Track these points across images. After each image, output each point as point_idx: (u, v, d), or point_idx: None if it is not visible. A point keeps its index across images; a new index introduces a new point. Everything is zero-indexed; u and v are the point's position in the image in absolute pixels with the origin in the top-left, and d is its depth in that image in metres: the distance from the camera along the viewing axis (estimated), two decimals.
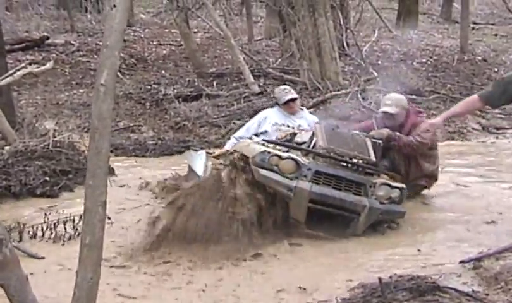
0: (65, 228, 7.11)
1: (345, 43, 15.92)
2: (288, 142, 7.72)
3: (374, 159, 7.21)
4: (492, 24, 23.30)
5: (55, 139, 9.75)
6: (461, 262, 6.09)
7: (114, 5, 3.58)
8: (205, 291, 5.79)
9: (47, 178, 8.73)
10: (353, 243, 6.93)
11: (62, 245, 6.90)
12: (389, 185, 7.15)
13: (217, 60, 17.61)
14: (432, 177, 8.05)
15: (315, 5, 12.38)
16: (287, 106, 8.53)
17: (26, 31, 20.48)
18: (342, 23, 16.10)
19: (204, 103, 13.81)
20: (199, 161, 8.02)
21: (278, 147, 7.26)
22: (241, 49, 15.85)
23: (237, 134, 8.80)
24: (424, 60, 17.07)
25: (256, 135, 8.25)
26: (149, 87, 15.21)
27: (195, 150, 8.88)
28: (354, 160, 7.18)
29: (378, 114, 8.26)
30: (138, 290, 5.83)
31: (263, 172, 6.89)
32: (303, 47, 12.94)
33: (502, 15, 24.04)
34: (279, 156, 6.98)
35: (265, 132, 8.40)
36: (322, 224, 7.02)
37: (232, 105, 13.45)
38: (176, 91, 14.69)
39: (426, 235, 7.17)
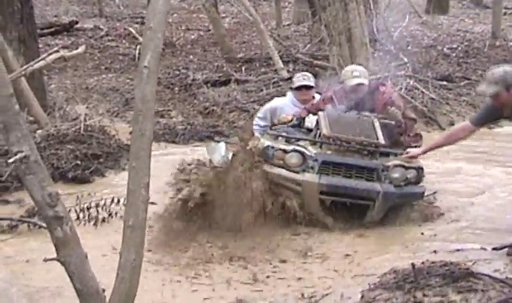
0: (97, 211, 7.21)
1: (375, 29, 15.81)
2: (297, 126, 7.57)
3: (383, 141, 7.00)
4: None
5: (86, 123, 9.82)
6: (493, 249, 6.09)
7: None
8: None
9: (78, 162, 8.82)
10: (381, 229, 6.95)
11: (95, 227, 7.01)
12: (404, 166, 6.94)
13: (245, 46, 17.59)
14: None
15: None
16: (299, 92, 8.10)
17: (55, 16, 20.64)
18: (372, 8, 16.01)
19: (233, 88, 13.80)
20: (217, 153, 7.77)
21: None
22: (269, 34, 15.82)
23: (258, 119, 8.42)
24: (455, 46, 16.93)
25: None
26: (178, 72, 15.25)
27: (217, 141, 8.62)
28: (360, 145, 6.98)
29: (339, 88, 7.68)
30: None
31: (268, 168, 6.80)
32: (333, 32, 12.81)
33: None
34: (284, 150, 6.86)
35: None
36: (340, 212, 6.97)
37: (261, 90, 13.43)
38: (204, 76, 14.72)
39: (452, 221, 7.15)
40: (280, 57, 14.59)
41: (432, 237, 6.73)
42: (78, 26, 19.53)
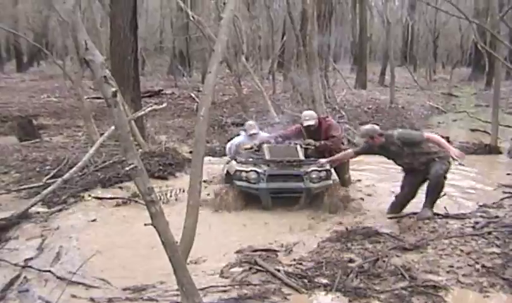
0: (171, 195, 7.15)
1: (327, 96, 15.83)
2: (257, 151, 7.25)
3: (302, 157, 6.82)
4: (407, 88, 23.17)
5: (165, 146, 9.82)
6: (389, 218, 6.15)
7: (209, 71, 3.65)
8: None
9: (161, 168, 8.71)
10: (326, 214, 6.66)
11: (164, 203, 6.84)
12: (317, 170, 6.70)
13: (255, 104, 17.57)
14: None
15: (311, 75, 12.28)
16: (251, 136, 7.69)
17: (151, 86, 20.69)
18: (326, 84, 16.06)
19: None
20: (225, 169, 7.47)
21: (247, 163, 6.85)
22: (269, 98, 15.78)
23: (228, 149, 8.05)
24: (370, 106, 16.94)
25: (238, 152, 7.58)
26: (216, 118, 15.24)
27: (228, 162, 7.83)
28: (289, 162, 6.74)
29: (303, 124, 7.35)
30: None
31: (238, 183, 6.66)
32: (304, 97, 12.88)
33: (412, 83, 23.87)
34: (246, 171, 6.66)
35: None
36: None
37: (261, 129, 13.30)
38: (231, 120, 14.73)
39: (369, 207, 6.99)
40: (274, 111, 14.54)
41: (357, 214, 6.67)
42: (162, 92, 19.59)
